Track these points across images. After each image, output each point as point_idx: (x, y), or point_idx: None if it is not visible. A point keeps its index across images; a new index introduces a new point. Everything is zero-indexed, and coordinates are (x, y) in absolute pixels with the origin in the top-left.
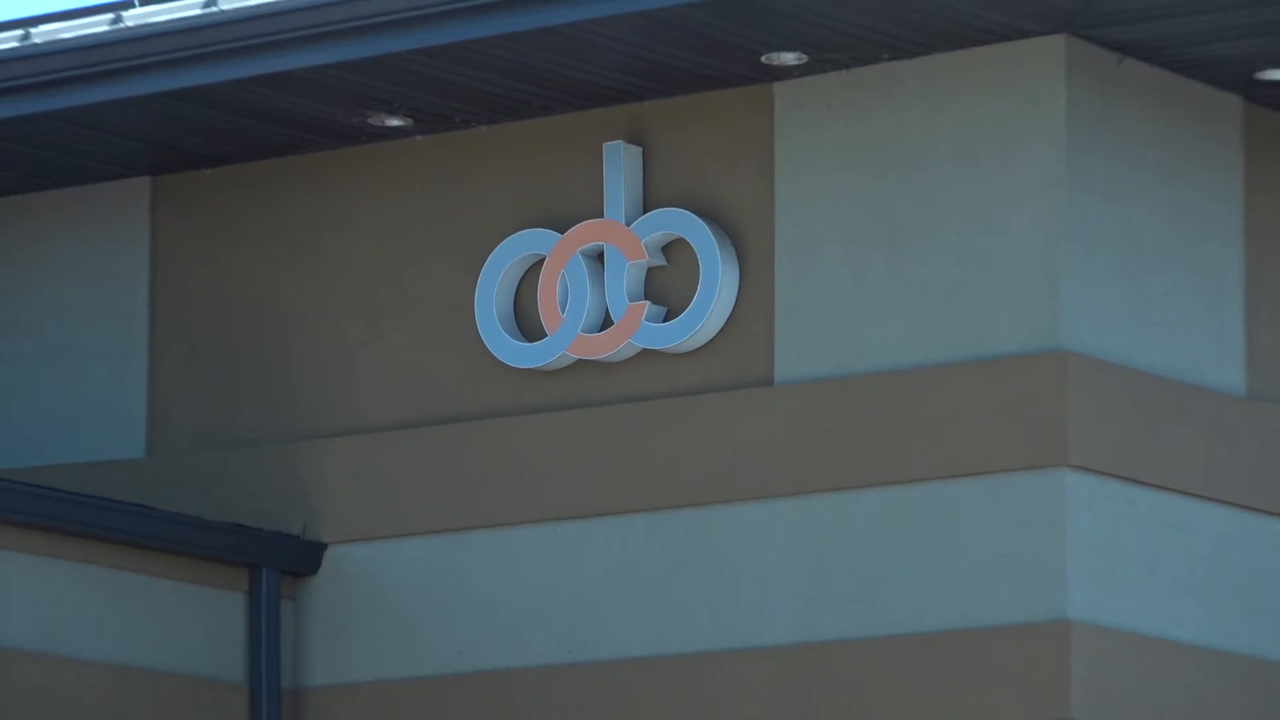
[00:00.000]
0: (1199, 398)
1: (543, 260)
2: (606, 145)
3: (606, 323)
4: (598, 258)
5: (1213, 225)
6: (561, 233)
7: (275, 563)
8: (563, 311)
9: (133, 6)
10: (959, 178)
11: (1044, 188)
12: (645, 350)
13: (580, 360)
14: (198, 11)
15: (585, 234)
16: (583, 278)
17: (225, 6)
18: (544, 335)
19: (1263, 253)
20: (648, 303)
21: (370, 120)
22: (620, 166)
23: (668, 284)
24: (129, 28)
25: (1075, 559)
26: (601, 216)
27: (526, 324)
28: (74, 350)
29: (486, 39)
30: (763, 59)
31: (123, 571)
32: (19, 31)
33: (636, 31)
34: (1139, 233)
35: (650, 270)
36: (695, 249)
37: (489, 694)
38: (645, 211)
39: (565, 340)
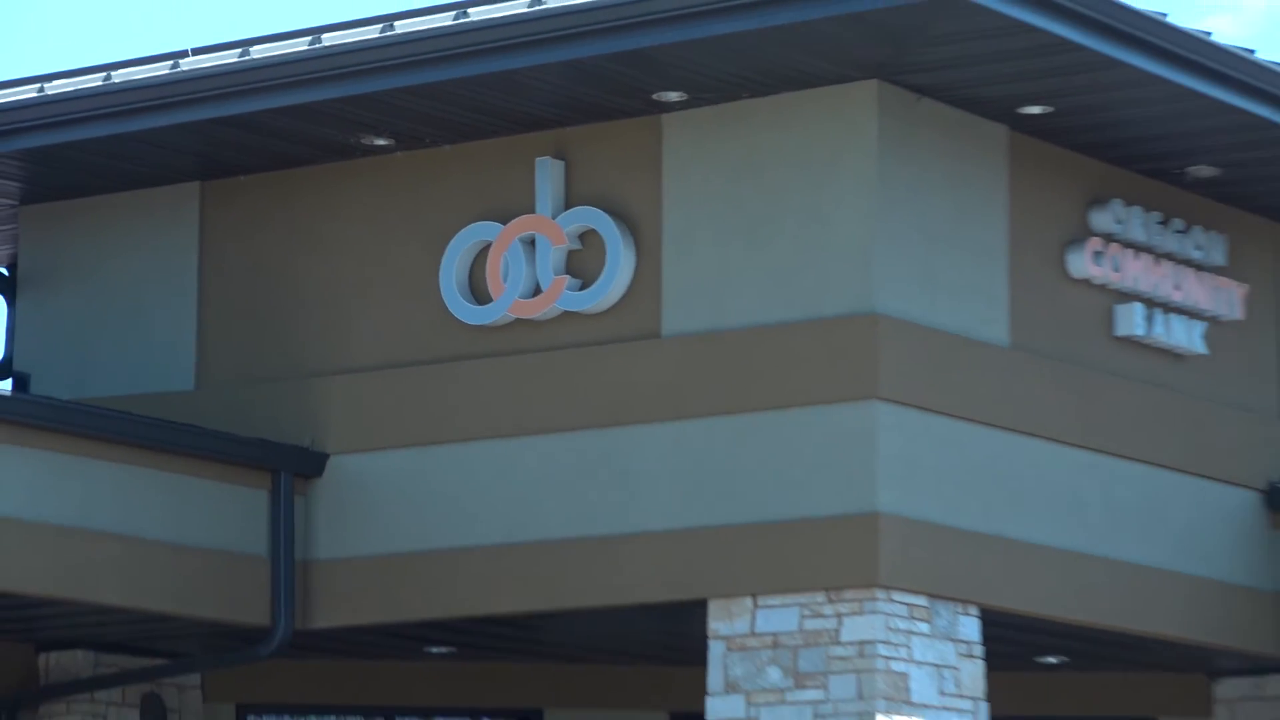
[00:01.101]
0: (974, 348)
1: (489, 245)
2: (538, 160)
3: (537, 291)
4: (531, 243)
5: (985, 220)
6: (504, 224)
7: (290, 468)
8: (504, 283)
9: (187, 55)
10: (797, 185)
11: (860, 193)
12: (566, 312)
13: (518, 319)
14: (235, 59)
15: (522, 225)
16: (520, 258)
17: (256, 55)
18: (490, 300)
19: (1022, 241)
20: (568, 276)
21: (363, 140)
22: (548, 176)
23: (583, 263)
24: (184, 70)
25: (883, 467)
26: (534, 213)
27: (478, 292)
28: (142, 311)
29: (450, 80)
30: (654, 97)
31: (180, 475)
32: (103, 74)
33: (563, 76)
34: (931, 226)
35: (570, 253)
36: (603, 237)
37: (448, 565)
38: (566, 209)
39: (506, 304)
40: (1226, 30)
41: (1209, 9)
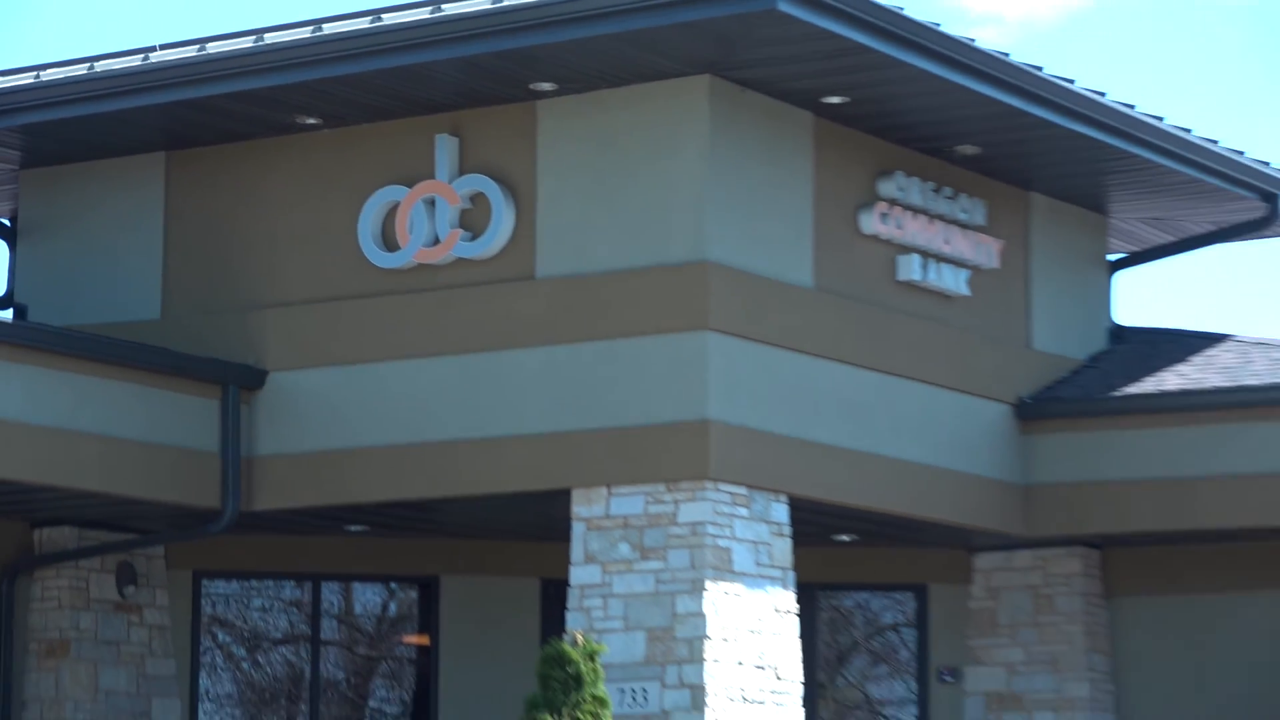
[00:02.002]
0: (785, 289)
1: (398, 204)
2: (437, 136)
3: (436, 242)
4: (431, 203)
5: (794, 188)
6: (409, 187)
7: (237, 382)
8: (410, 234)
9: (155, 50)
10: (645, 159)
11: (695, 166)
12: (459, 258)
13: (420, 264)
14: (194, 54)
15: (424, 189)
16: (422, 215)
17: (211, 51)
18: (399, 248)
19: (823, 204)
20: (461, 230)
21: (296, 120)
22: (445, 149)
23: (472, 219)
24: (153, 62)
25: (712, 384)
26: (434, 179)
27: (388, 242)
28: (118, 255)
29: (367, 72)
30: (530, 86)
31: (147, 387)
32: (87, 65)
33: (458, 69)
34: (751, 192)
35: (462, 211)
36: (489, 199)
37: (364, 460)
38: (460, 176)
39: (411, 252)
40: (988, 38)
41: (975, 21)
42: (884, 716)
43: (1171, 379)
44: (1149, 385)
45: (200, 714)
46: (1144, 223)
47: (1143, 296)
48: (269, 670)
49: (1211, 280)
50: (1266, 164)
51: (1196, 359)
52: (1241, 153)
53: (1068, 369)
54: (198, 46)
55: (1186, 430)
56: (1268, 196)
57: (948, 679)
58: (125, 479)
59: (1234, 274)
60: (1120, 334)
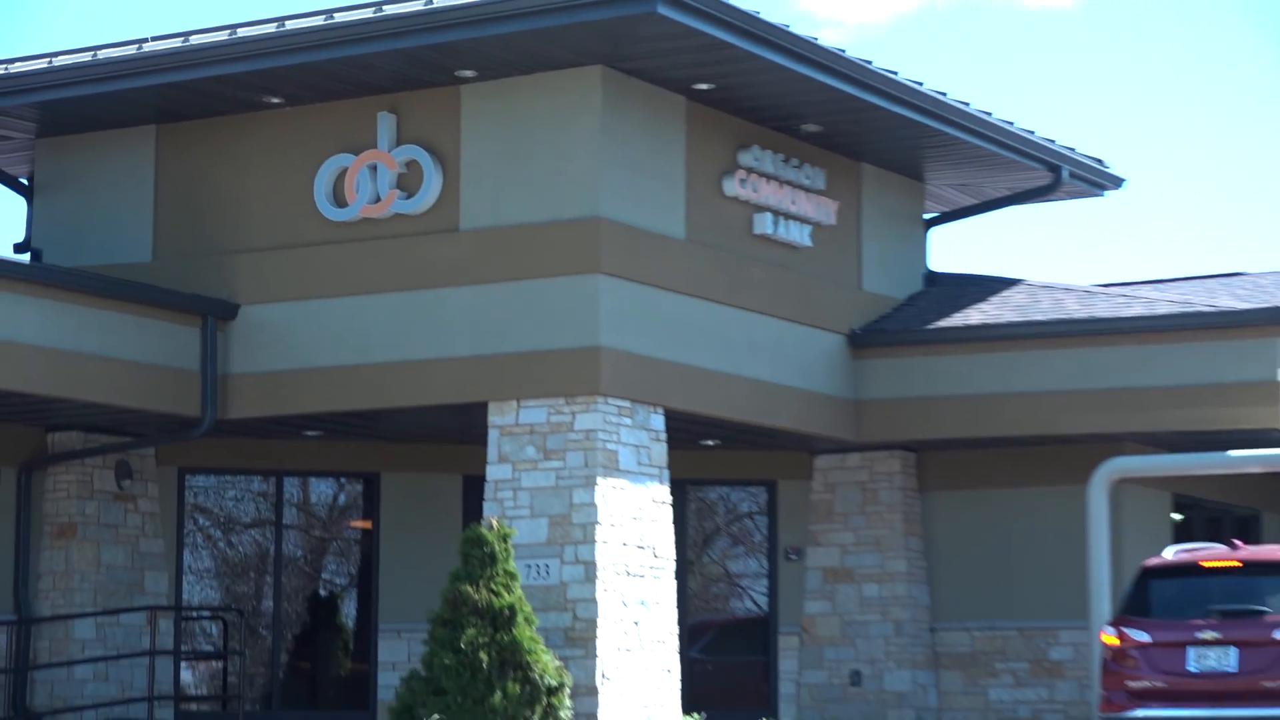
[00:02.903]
0: (662, 240)
1: (347, 169)
2: (379, 113)
3: (378, 200)
4: (374, 168)
5: (671, 157)
6: (356, 155)
7: (214, 314)
8: (356, 194)
9: (148, 40)
10: (549, 134)
11: (589, 140)
12: (397, 213)
13: (365, 218)
14: (179, 44)
15: (368, 157)
16: (366, 178)
17: (193, 42)
18: (347, 205)
19: (693, 171)
20: (398, 190)
21: (263, 99)
22: (386, 124)
23: (408, 182)
24: (146, 51)
25: (603, 317)
26: (376, 148)
27: (338, 199)
28: (117, 209)
29: (322, 60)
30: (455, 73)
31: (141, 317)
32: (90, 52)
33: (396, 59)
34: (635, 161)
35: (399, 175)
36: (421, 165)
37: (318, 378)
38: (397, 146)
39: (357, 208)
40: (830, 37)
41: (819, 23)
42: (740, 588)
43: (974, 315)
44: (956, 320)
45: (184, 584)
46: (953, 188)
47: (952, 248)
48: (240, 549)
49: (1008, 234)
50: (1052, 141)
51: (994, 299)
52: (1032, 132)
53: (890, 306)
54: (182, 38)
55: (986, 356)
56: (1053, 167)
57: (793, 557)
58: (122, 392)
59: (1026, 230)
60: (933, 279)
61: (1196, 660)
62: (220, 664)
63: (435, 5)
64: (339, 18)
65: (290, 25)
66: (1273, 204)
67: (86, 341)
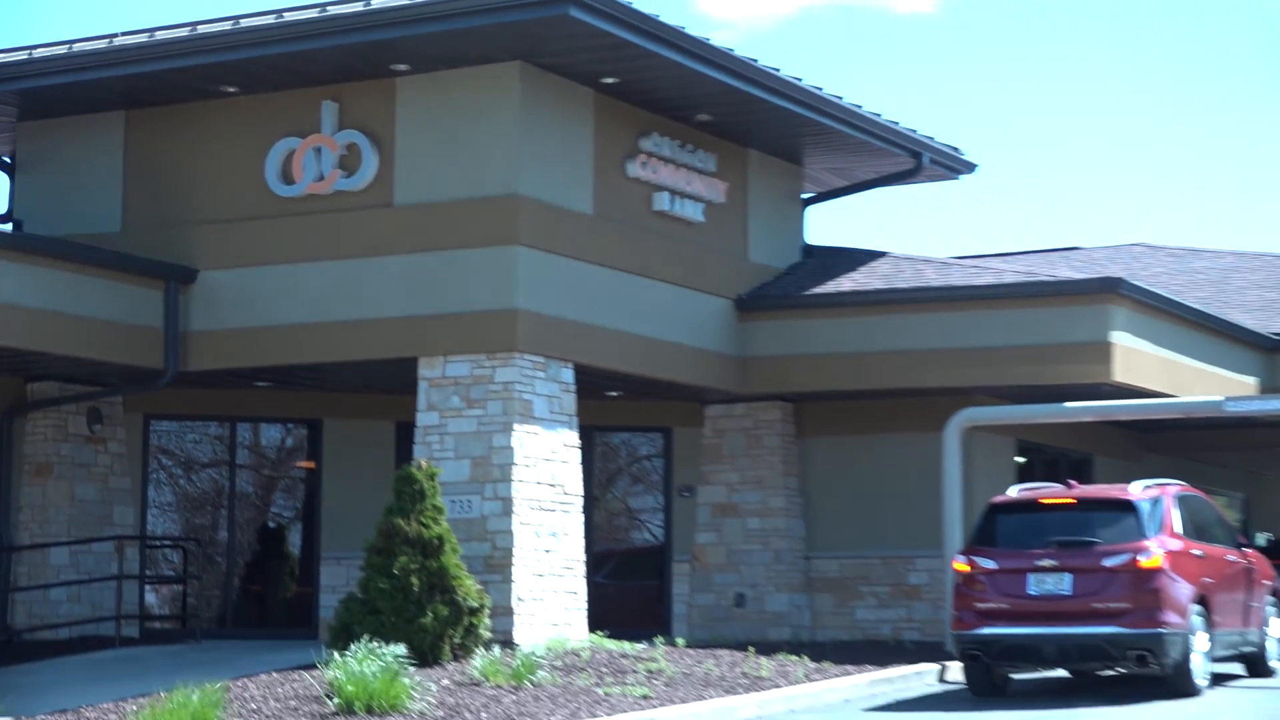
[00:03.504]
0: (573, 215)
1: (295, 150)
2: (323, 102)
3: (322, 178)
4: (319, 150)
5: (579, 140)
6: (303, 138)
7: (176, 278)
8: (303, 173)
9: (118, 35)
10: (473, 121)
11: (510, 127)
12: (339, 190)
13: (310, 194)
14: (145, 39)
15: (313, 140)
16: (312, 159)
17: (159, 38)
18: (295, 183)
19: (600, 154)
20: (340, 170)
21: (221, 88)
22: (329, 111)
23: (349, 162)
24: (117, 45)
25: (520, 283)
26: (320, 133)
27: (287, 178)
28: (91, 185)
29: (272, 55)
30: (391, 67)
31: (111, 281)
32: (66, 45)
33: (338, 53)
34: (545, 146)
35: (341, 156)
36: (360, 148)
37: (268, 335)
38: (339, 131)
39: (304, 185)
40: (722, 38)
41: (713, 25)
42: (640, 521)
43: (845, 283)
44: (829, 287)
45: (148, 517)
46: (827, 171)
47: (826, 224)
48: (198, 486)
49: (877, 213)
50: (914, 130)
51: (863, 269)
52: (897, 122)
53: (772, 275)
54: (148, 34)
55: (855, 319)
56: (914, 154)
57: (686, 494)
58: (94, 347)
59: (892, 209)
60: (809, 251)
61: (1036, 585)
62: (180, 587)
63: (373, 6)
64: (288, 16)
65: (245, 23)
66: (1104, 187)
67: (63, 302)
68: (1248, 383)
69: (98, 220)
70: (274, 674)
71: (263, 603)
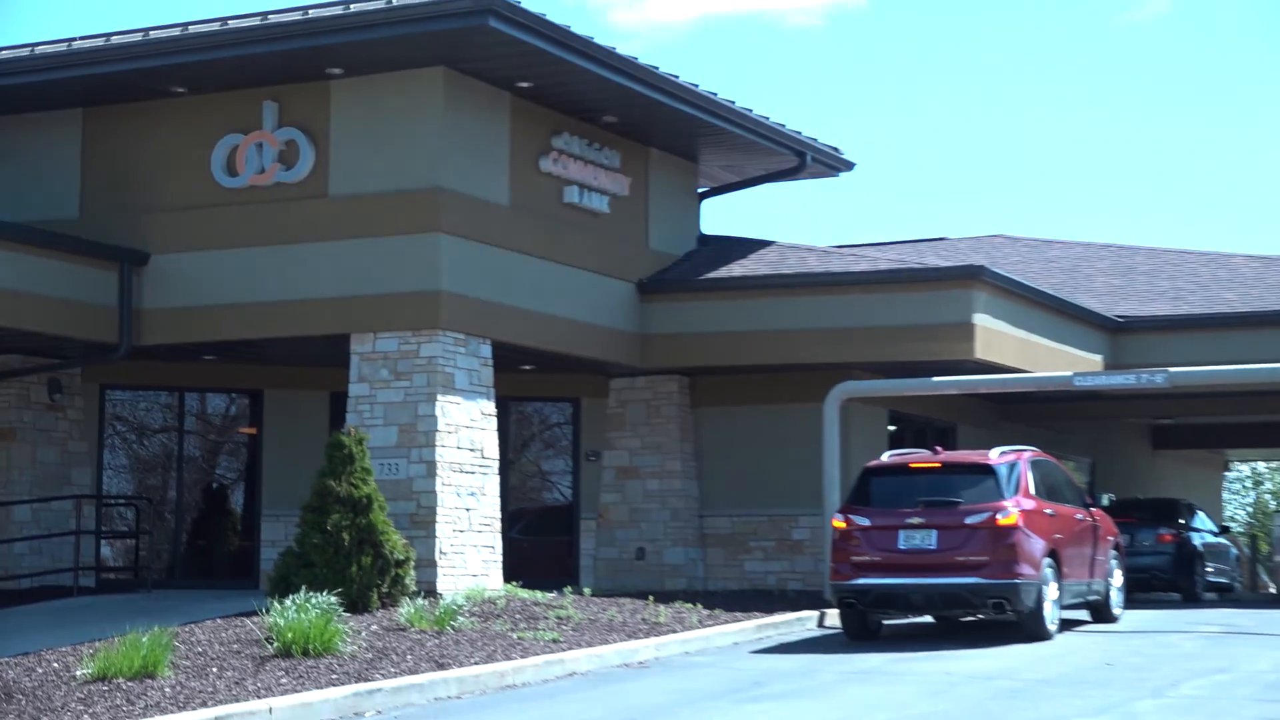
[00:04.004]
0: (490, 206)
1: (238, 145)
2: (265, 102)
3: (263, 171)
4: (260, 145)
5: (497, 141)
6: (246, 134)
7: (130, 261)
8: (246, 166)
9: (76, 40)
10: (400, 121)
11: (434, 126)
12: (279, 182)
13: (253, 185)
14: (102, 44)
15: (255, 136)
16: (254, 153)
17: (115, 42)
18: (239, 175)
19: (516, 152)
20: (279, 164)
21: (171, 89)
22: (270, 110)
23: (288, 157)
24: (75, 48)
25: (443, 267)
26: (262, 129)
27: (231, 170)
28: (51, 175)
29: (218, 59)
30: (326, 71)
31: (70, 264)
32: (29, 48)
33: (279, 58)
34: (470, 143)
35: (280, 151)
36: (298, 143)
37: (212, 313)
38: (279, 128)
39: (247, 177)
40: (627, 47)
41: (620, 35)
42: (550, 482)
43: (736, 269)
44: (722, 273)
45: (104, 478)
46: (721, 168)
47: (720, 216)
48: (150, 449)
49: (765, 205)
50: (799, 132)
51: (752, 257)
52: (783, 125)
53: (670, 262)
54: (104, 38)
55: (745, 301)
56: (799, 153)
57: (592, 459)
58: (55, 323)
59: (780, 202)
60: (704, 240)
61: (905, 540)
62: (133, 542)
63: (310, 15)
64: (233, 24)
65: (193, 29)
66: (969, 184)
67: (26, 282)
68: (1094, 360)
69: (57, 208)
70: (219, 620)
71: (208, 556)
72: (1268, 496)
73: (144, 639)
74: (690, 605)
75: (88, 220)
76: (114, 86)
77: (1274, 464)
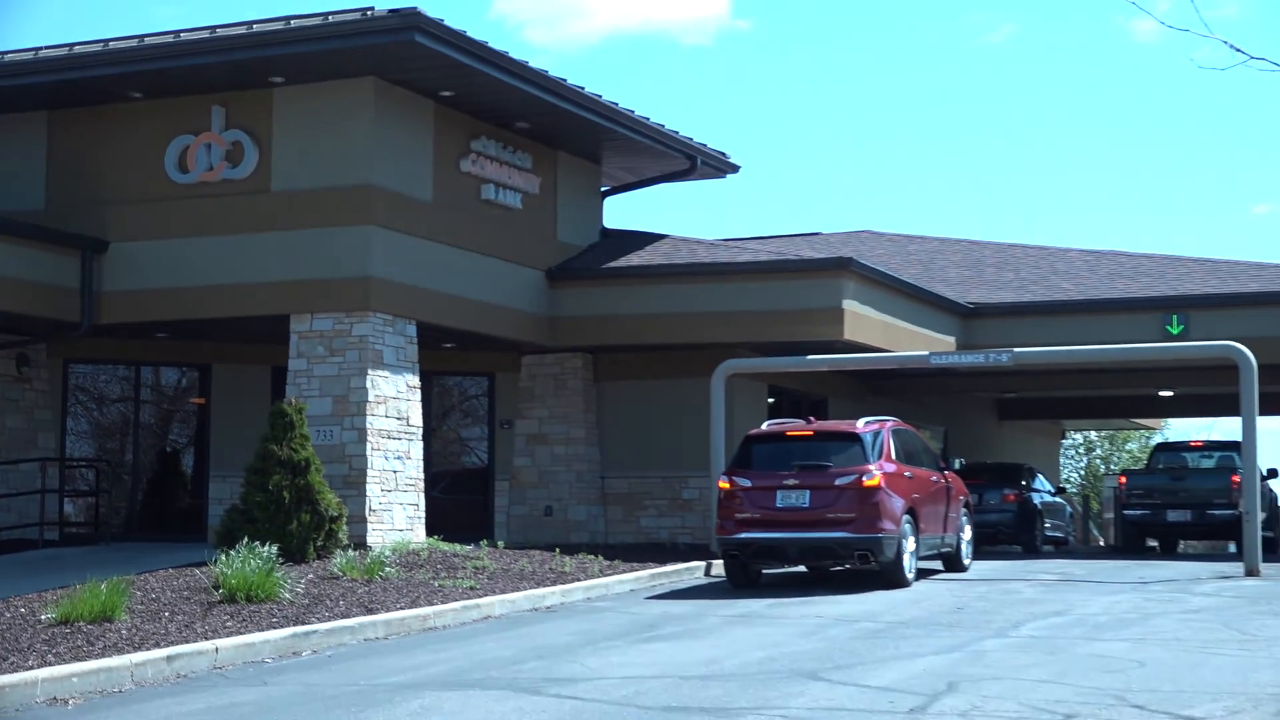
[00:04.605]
0: (415, 202)
1: (189, 145)
2: (213, 106)
3: (211, 168)
4: (209, 146)
5: (421, 140)
6: (196, 135)
7: (90, 248)
8: (196, 164)
9: (43, 49)
10: (336, 124)
11: (366, 129)
12: (225, 179)
13: (202, 181)
14: (66, 53)
15: (205, 137)
16: (204, 152)
17: (77, 51)
18: (190, 171)
19: (439, 152)
20: (226, 162)
21: (129, 94)
22: (219, 114)
23: (234, 156)
24: (42, 57)
25: (374, 255)
26: (210, 131)
27: (184, 167)
28: (20, 169)
29: (170, 68)
30: (269, 79)
31: (35, 250)
32: None
33: (227, 68)
34: (397, 145)
35: (227, 151)
36: (243, 144)
37: (164, 296)
38: (226, 130)
39: (197, 174)
40: (539, 62)
41: (534, 51)
42: (469, 447)
43: (635, 259)
44: (621, 262)
45: (67, 442)
46: (621, 170)
47: (620, 212)
48: (109, 417)
49: (660, 202)
50: (691, 138)
51: (649, 248)
52: (677, 131)
53: (576, 252)
54: (68, 48)
55: (641, 288)
56: (690, 157)
57: (505, 426)
58: (22, 303)
59: (674, 200)
60: (606, 233)
61: (782, 499)
62: (93, 500)
63: (254, 30)
64: (184, 36)
65: (148, 41)
66: (840, 185)
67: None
68: (948, 341)
69: (25, 200)
70: (170, 570)
71: (162, 513)
72: (1098, 461)
73: (103, 587)
74: (592, 557)
75: (53, 211)
76: (77, 91)
77: (1104, 433)
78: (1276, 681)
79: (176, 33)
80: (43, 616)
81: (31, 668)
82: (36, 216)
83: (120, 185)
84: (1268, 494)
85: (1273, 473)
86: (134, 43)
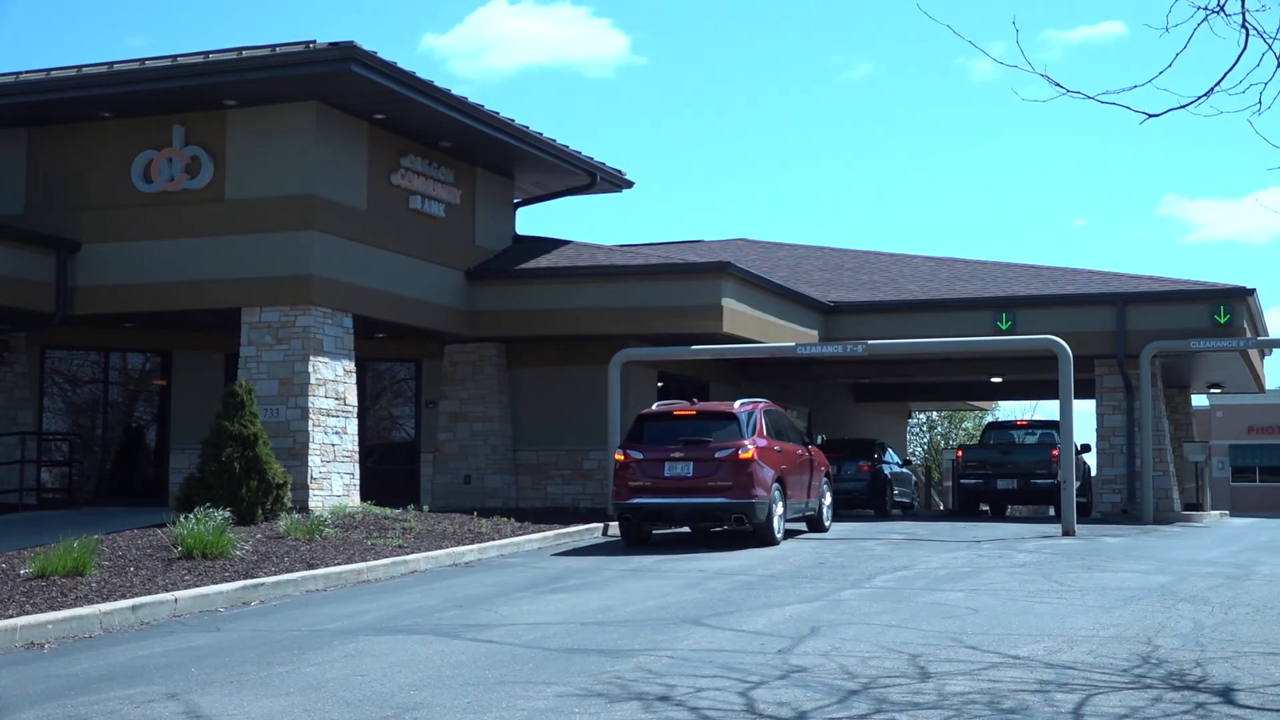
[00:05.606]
0: (352, 211)
1: (153, 159)
2: (174, 125)
3: (172, 179)
4: (170, 160)
5: (356, 159)
6: (159, 150)
7: (65, 248)
8: (159, 175)
9: (23, 73)
10: (283, 143)
11: (308, 148)
12: (185, 189)
13: (164, 190)
14: (43, 76)
15: (166, 152)
16: (165, 165)
17: (53, 75)
18: (153, 182)
19: (373, 168)
20: (186, 174)
21: (100, 114)
22: (179, 133)
23: (193, 169)
24: (22, 79)
25: (315, 256)
26: (172, 146)
27: (149, 178)
28: (3, 180)
29: (136, 92)
30: (224, 103)
31: (14, 250)
32: None
33: (187, 92)
34: (337, 163)
35: (186, 165)
36: (200, 159)
37: (133, 291)
38: (185, 145)
39: (160, 184)
40: (463, 89)
41: (459, 80)
42: (399, 424)
43: (543, 261)
44: (531, 264)
45: (44, 418)
46: (531, 184)
47: (530, 221)
48: (81, 396)
49: (564, 212)
50: (592, 157)
51: (555, 252)
52: (580, 151)
53: (491, 255)
54: (45, 73)
55: (549, 286)
56: (590, 173)
57: (430, 406)
58: (4, 296)
59: (577, 211)
60: (518, 239)
61: (669, 469)
62: (67, 469)
63: (210, 59)
64: (149, 64)
65: (117, 67)
66: (719, 199)
67: None
68: (812, 334)
69: (6, 205)
70: (135, 530)
71: (128, 480)
72: (939, 437)
73: (75, 545)
74: (506, 519)
75: (31, 215)
76: (54, 110)
77: (944, 413)
78: (1089, 625)
79: (142, 60)
80: (21, 571)
81: (11, 616)
82: (16, 220)
83: (92, 193)
84: (1082, 466)
85: (1085, 448)
86: (104, 69)
